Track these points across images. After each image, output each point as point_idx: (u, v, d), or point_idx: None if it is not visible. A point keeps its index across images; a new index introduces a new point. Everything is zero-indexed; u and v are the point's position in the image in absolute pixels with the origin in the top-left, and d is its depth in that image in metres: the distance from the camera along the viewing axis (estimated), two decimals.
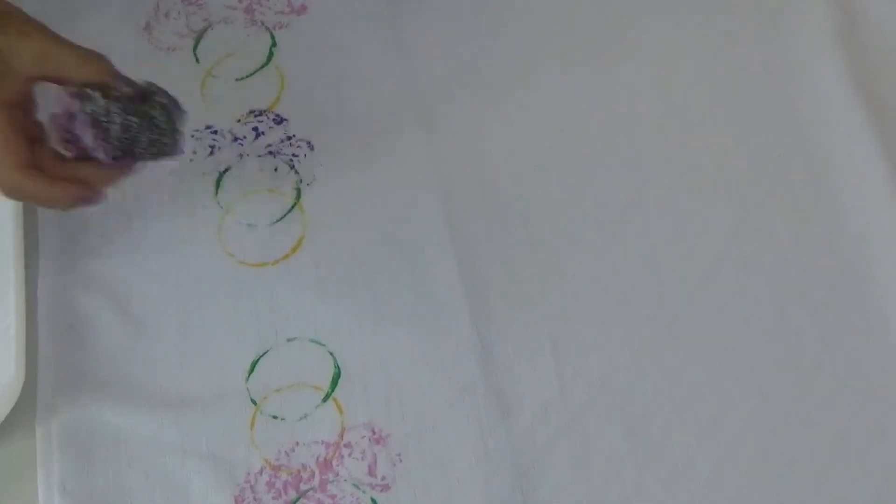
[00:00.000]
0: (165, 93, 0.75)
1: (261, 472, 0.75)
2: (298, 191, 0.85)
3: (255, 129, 0.87)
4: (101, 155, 0.73)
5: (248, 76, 0.90)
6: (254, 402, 0.77)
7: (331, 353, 0.79)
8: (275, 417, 0.77)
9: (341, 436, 0.76)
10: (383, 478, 0.75)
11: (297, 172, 0.86)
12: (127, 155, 0.74)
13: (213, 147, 0.86)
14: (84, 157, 0.73)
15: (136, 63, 0.89)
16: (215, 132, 0.87)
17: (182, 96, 0.87)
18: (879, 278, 0.82)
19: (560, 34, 0.92)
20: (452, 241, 0.83)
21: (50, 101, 0.72)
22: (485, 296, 0.81)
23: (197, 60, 0.90)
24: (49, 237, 0.82)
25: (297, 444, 0.76)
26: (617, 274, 0.82)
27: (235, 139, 0.87)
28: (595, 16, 0.93)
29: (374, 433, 0.76)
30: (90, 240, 0.82)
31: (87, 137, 0.72)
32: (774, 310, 0.81)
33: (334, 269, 0.82)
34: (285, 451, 0.76)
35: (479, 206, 0.85)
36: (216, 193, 0.85)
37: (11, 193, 0.71)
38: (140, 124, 0.73)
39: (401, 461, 0.75)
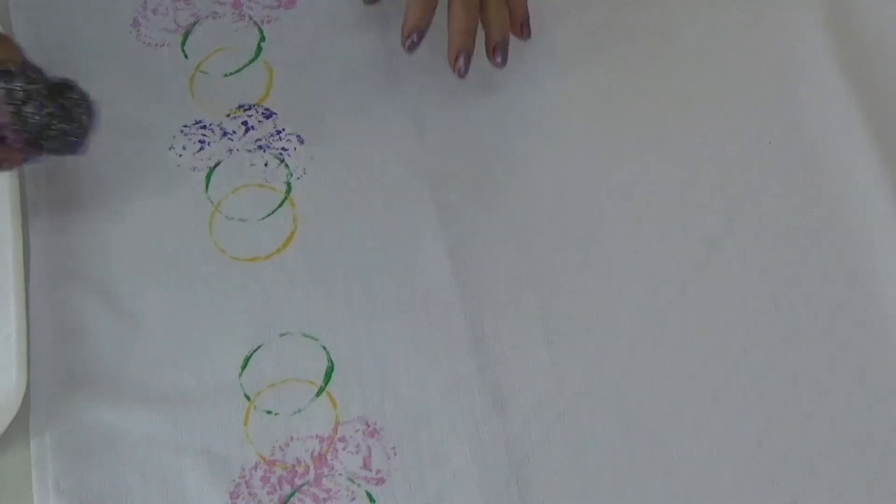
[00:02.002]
0: (81, 90, 0.74)
1: (255, 468, 0.75)
2: (289, 185, 0.85)
3: (245, 123, 0.87)
4: (9, 135, 0.72)
5: (236, 71, 0.90)
6: (247, 398, 0.77)
7: (324, 348, 0.79)
8: (269, 412, 0.77)
9: (335, 430, 0.76)
10: (378, 471, 0.75)
11: (287, 166, 0.85)
12: (33, 142, 0.73)
13: (202, 142, 0.86)
14: None
15: (124, 60, 0.89)
16: (204, 127, 0.87)
17: (171, 92, 0.88)
18: (873, 267, 0.82)
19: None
20: (445, 233, 0.83)
21: None
22: (478, 288, 0.81)
23: (185, 56, 0.90)
24: (39, 235, 0.82)
25: (292, 438, 0.76)
26: (610, 265, 0.82)
27: (225, 134, 0.86)
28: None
29: (368, 427, 0.76)
30: (81, 238, 0.82)
31: (1, 115, 0.72)
32: (768, 299, 0.81)
33: (326, 262, 0.82)
34: (280, 446, 0.76)
35: (471, 198, 0.85)
36: (206, 189, 0.84)
37: None
38: (55, 114, 0.73)
39: (395, 454, 0.75)
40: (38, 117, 0.73)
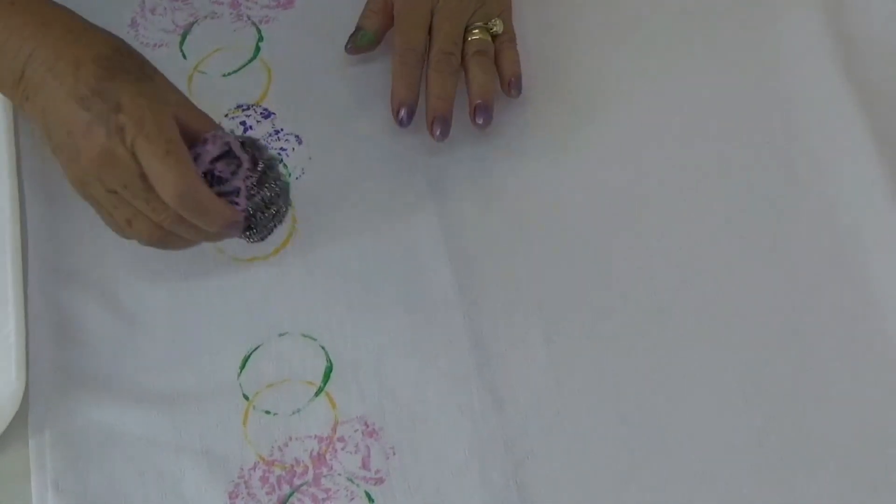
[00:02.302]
0: (283, 178, 0.75)
1: (254, 468, 0.75)
2: (287, 184, 0.85)
3: (243, 123, 0.87)
4: (241, 202, 0.72)
5: (235, 71, 0.90)
6: (246, 398, 0.77)
7: (322, 348, 0.79)
8: (267, 412, 0.77)
9: (334, 430, 0.76)
10: (377, 471, 0.75)
11: (285, 166, 0.85)
12: (253, 214, 0.73)
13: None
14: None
15: None
16: None
17: None
18: (872, 267, 0.82)
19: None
20: (444, 233, 0.83)
21: (204, 142, 0.72)
22: (477, 287, 0.81)
23: (184, 56, 0.90)
24: (38, 235, 0.82)
25: (291, 438, 0.76)
26: (609, 264, 0.82)
27: None
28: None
29: (367, 426, 0.76)
30: (80, 238, 0.82)
31: (238, 178, 0.72)
32: (766, 298, 0.81)
33: (325, 262, 0.82)
34: (279, 446, 0.76)
35: (471, 197, 0.85)
36: None
37: (185, 197, 0.69)
38: (282, 188, 0.73)
39: (394, 454, 0.75)
40: (274, 186, 0.73)
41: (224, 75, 0.89)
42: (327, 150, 0.86)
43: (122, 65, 0.71)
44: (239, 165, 0.72)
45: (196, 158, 0.71)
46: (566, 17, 0.92)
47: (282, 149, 0.86)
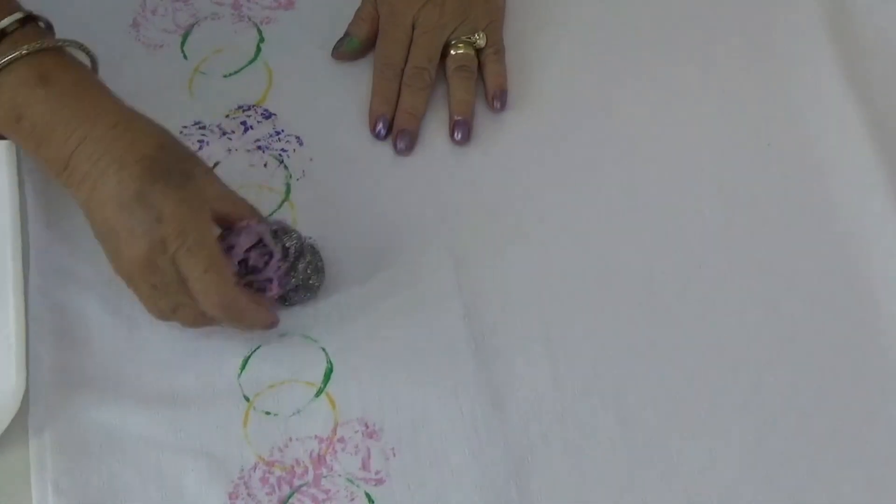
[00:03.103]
0: (316, 252, 0.79)
1: (254, 468, 0.75)
2: (288, 186, 0.85)
3: (244, 123, 0.87)
4: (274, 289, 0.76)
5: (236, 72, 0.90)
6: (246, 399, 0.77)
7: (322, 349, 0.79)
8: (268, 413, 0.77)
9: (334, 431, 0.76)
10: (377, 472, 0.75)
11: (286, 167, 0.85)
12: (292, 293, 0.78)
13: (201, 142, 0.86)
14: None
15: (124, 60, 0.89)
16: (203, 128, 0.87)
17: (170, 93, 0.88)
18: (872, 267, 0.82)
19: None
20: (444, 233, 0.83)
21: (234, 233, 0.76)
22: (477, 288, 0.81)
23: (185, 57, 0.90)
24: (38, 235, 0.82)
25: (291, 439, 0.76)
26: (609, 266, 0.82)
27: (224, 134, 0.87)
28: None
29: (367, 427, 0.76)
30: (80, 239, 0.82)
31: (271, 268, 0.75)
32: (766, 300, 0.81)
33: (325, 263, 0.82)
34: (279, 447, 0.75)
35: (471, 197, 0.85)
36: None
37: (223, 310, 0.73)
38: (313, 271, 0.78)
39: (394, 455, 0.75)
40: (303, 274, 0.77)
41: (225, 76, 0.90)
42: (328, 151, 0.87)
43: (164, 165, 0.72)
44: (270, 257, 0.75)
45: (230, 248, 0.75)
46: (565, 21, 0.92)
47: (282, 150, 0.86)
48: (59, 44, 0.74)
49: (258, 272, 0.76)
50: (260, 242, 0.76)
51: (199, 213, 0.72)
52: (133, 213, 0.71)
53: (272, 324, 0.76)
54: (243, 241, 0.75)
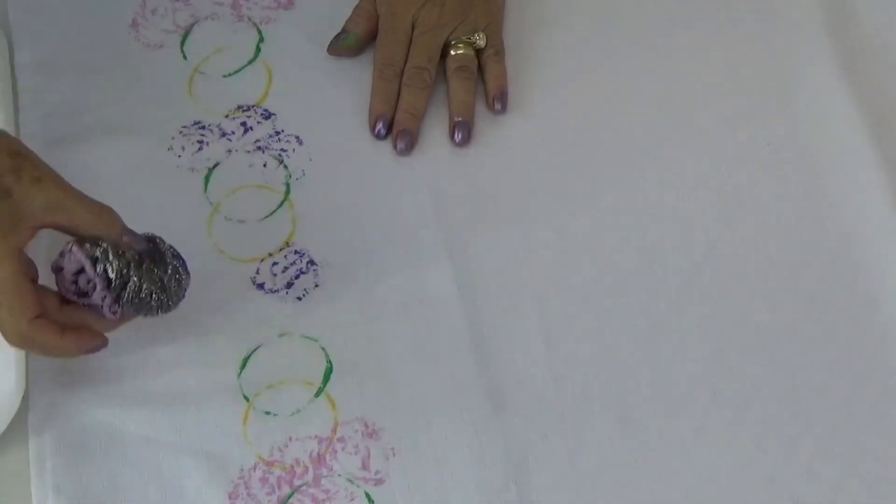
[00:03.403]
0: (172, 249, 0.75)
1: (254, 469, 0.75)
2: (288, 186, 0.85)
3: (244, 124, 0.87)
4: (106, 312, 0.73)
5: (235, 72, 0.90)
6: (246, 399, 0.77)
7: (322, 349, 0.79)
8: (267, 413, 0.77)
9: (334, 430, 0.76)
10: (377, 472, 0.75)
11: (286, 167, 0.85)
12: (129, 316, 0.74)
13: (201, 143, 0.86)
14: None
15: (123, 60, 0.89)
16: (203, 128, 0.87)
17: (170, 93, 0.88)
18: (872, 267, 0.82)
19: None
20: (444, 234, 0.83)
21: (62, 254, 0.72)
22: (477, 288, 0.81)
23: (184, 57, 0.90)
24: (37, 236, 0.81)
25: (291, 439, 0.76)
26: (609, 266, 0.82)
27: (224, 135, 0.87)
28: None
29: (367, 427, 0.76)
30: None
31: (97, 296, 0.72)
32: (766, 301, 0.81)
33: (325, 263, 0.82)
34: (278, 447, 0.75)
35: (471, 198, 0.85)
36: (205, 189, 0.84)
37: (22, 344, 0.71)
38: (151, 289, 0.73)
39: (394, 455, 0.75)
40: (135, 297, 0.73)
41: (225, 76, 0.89)
42: (328, 150, 0.86)
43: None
44: (94, 288, 0.72)
45: (60, 270, 0.72)
46: (565, 22, 0.92)
47: (282, 150, 0.86)
48: None
49: (87, 296, 0.73)
50: (81, 271, 0.72)
51: (4, 239, 0.69)
52: None
53: (89, 349, 0.73)
54: (68, 267, 0.72)
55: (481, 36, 0.88)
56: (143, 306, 0.74)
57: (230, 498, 0.74)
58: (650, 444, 0.75)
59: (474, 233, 0.83)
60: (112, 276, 0.72)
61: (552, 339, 0.79)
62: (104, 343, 0.73)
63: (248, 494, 0.74)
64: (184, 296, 0.75)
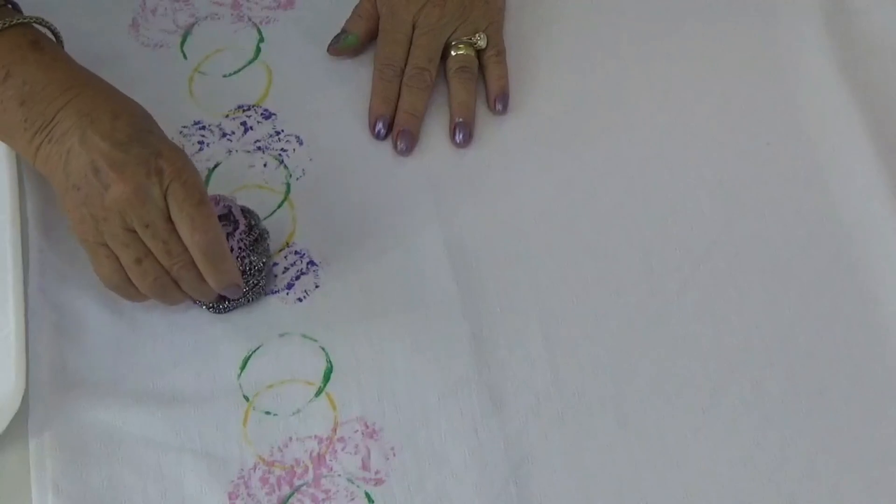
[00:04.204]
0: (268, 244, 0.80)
1: (254, 468, 0.75)
2: (288, 186, 0.85)
3: (244, 124, 0.87)
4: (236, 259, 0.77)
5: (235, 72, 0.90)
6: (246, 399, 0.77)
7: (322, 349, 0.79)
8: (267, 413, 0.77)
9: (334, 430, 0.76)
10: (377, 472, 0.75)
11: (286, 167, 0.85)
12: (249, 275, 0.78)
13: (201, 143, 0.86)
14: None
15: (123, 60, 0.89)
16: (203, 128, 0.87)
17: (170, 93, 0.88)
18: (872, 267, 0.82)
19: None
20: (444, 234, 0.83)
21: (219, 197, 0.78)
22: (477, 288, 0.81)
23: (184, 57, 0.90)
24: (38, 235, 0.82)
25: (291, 439, 0.76)
26: (608, 265, 0.82)
27: (224, 135, 0.87)
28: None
29: (367, 427, 0.76)
30: None
31: (232, 240, 0.77)
32: (765, 298, 0.81)
33: (325, 263, 0.82)
34: (278, 447, 0.76)
35: (470, 198, 0.85)
36: None
37: (211, 243, 0.73)
38: (264, 265, 0.78)
39: (394, 455, 0.75)
40: (260, 257, 0.78)
41: (225, 76, 0.89)
42: (328, 150, 0.86)
43: (154, 125, 0.75)
44: (236, 228, 0.77)
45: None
46: (565, 22, 0.92)
47: (282, 150, 0.86)
48: (38, 20, 0.77)
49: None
50: (228, 215, 0.77)
51: (193, 164, 0.74)
52: (130, 149, 0.72)
53: (237, 284, 0.76)
54: (219, 203, 0.76)
55: (482, 37, 0.88)
56: (255, 274, 0.78)
57: (230, 498, 0.74)
58: (650, 444, 0.76)
59: (474, 233, 0.83)
60: (255, 225, 0.78)
61: (552, 339, 0.79)
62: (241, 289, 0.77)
63: (248, 494, 0.74)
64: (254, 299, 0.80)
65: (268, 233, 0.80)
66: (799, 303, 0.81)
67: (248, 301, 0.79)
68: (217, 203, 0.77)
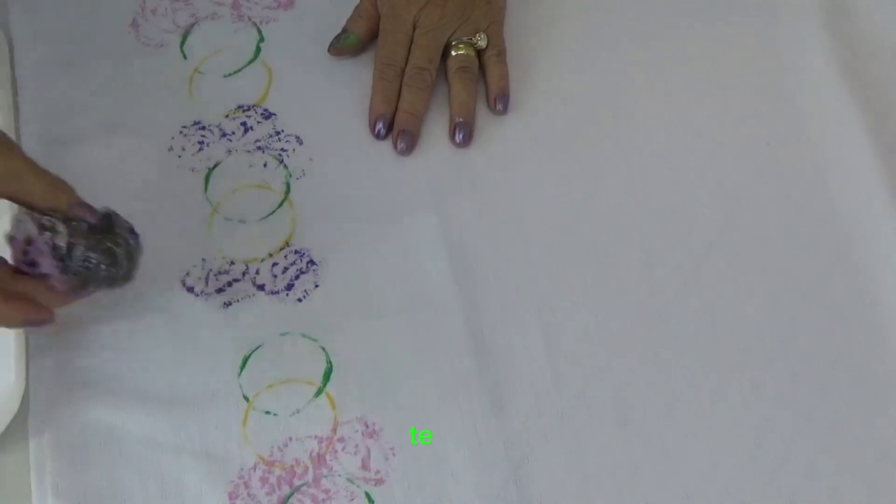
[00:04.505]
0: (126, 223, 0.74)
1: (254, 468, 0.75)
2: (288, 186, 0.85)
3: (244, 124, 0.87)
4: (56, 284, 0.72)
5: (235, 72, 0.90)
6: (246, 398, 0.77)
7: (322, 348, 0.79)
8: (267, 413, 0.77)
9: (334, 430, 0.76)
10: (377, 472, 0.75)
11: (286, 167, 0.85)
12: (79, 286, 0.73)
13: (201, 143, 0.86)
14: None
15: (123, 60, 0.89)
16: (203, 128, 0.87)
17: (170, 93, 0.88)
18: (872, 267, 0.82)
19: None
20: (444, 233, 0.83)
21: (13, 224, 0.72)
22: (477, 288, 0.81)
23: (184, 57, 0.90)
24: None
25: (291, 439, 0.76)
26: (609, 265, 0.82)
27: (224, 135, 0.87)
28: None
29: (367, 427, 0.76)
30: None
31: (46, 265, 0.72)
32: (766, 299, 0.81)
33: (325, 263, 0.82)
34: (278, 447, 0.76)
35: (471, 197, 0.85)
36: (205, 190, 0.84)
37: None
38: (99, 259, 0.73)
39: (394, 455, 0.75)
40: (82, 266, 0.73)
41: (225, 76, 0.89)
42: (328, 151, 0.86)
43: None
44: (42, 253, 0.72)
45: (12, 241, 0.72)
46: (565, 22, 0.93)
47: (282, 150, 0.86)
48: None
49: (37, 266, 0.72)
50: (33, 239, 0.72)
51: None
52: None
53: (33, 321, 0.72)
54: (18, 237, 0.72)
55: (482, 37, 0.88)
56: (91, 277, 0.73)
57: (230, 498, 0.74)
58: (650, 444, 0.76)
59: (474, 233, 0.83)
60: (60, 244, 0.72)
61: (552, 339, 0.79)
62: (48, 317, 0.73)
63: (248, 494, 0.74)
64: (136, 269, 0.75)
65: (93, 228, 0.73)
66: (799, 303, 0.81)
67: (112, 278, 0.74)
68: (19, 228, 0.72)
